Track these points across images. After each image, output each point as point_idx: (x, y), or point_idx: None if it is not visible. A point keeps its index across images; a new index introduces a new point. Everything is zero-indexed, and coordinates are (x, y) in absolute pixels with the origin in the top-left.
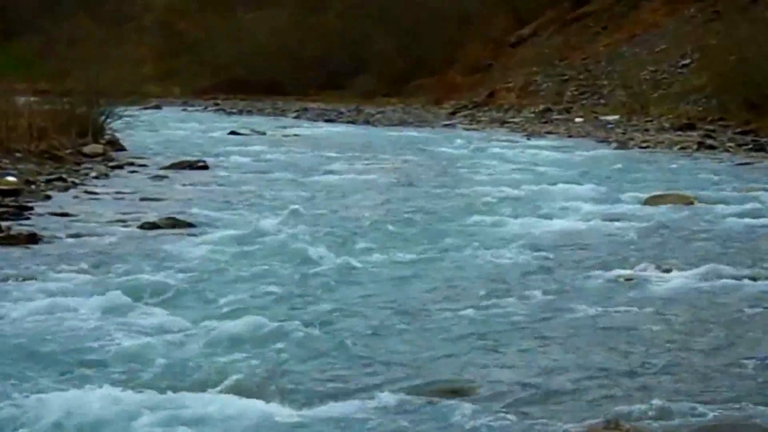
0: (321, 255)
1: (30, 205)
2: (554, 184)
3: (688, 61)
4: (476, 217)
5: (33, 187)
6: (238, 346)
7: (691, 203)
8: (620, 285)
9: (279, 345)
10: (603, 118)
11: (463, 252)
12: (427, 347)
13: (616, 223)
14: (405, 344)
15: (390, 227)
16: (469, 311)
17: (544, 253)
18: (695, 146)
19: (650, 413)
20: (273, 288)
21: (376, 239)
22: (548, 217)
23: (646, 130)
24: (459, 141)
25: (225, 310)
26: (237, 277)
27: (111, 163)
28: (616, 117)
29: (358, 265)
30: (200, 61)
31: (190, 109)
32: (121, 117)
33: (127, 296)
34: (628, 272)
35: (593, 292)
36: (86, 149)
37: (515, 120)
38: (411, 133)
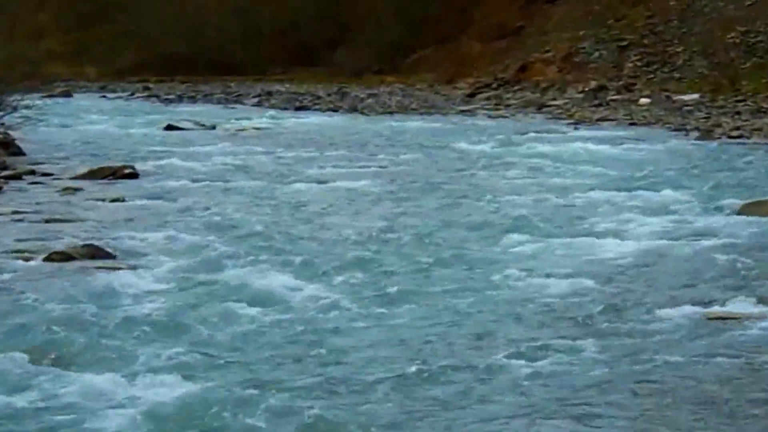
0: (293, 294)
1: None
2: (614, 190)
3: None
4: (509, 238)
5: None
6: (169, 424)
7: None
8: (708, 326)
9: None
10: (678, 97)
11: (492, 286)
12: (454, 417)
13: (701, 242)
14: (425, 413)
15: (389, 254)
16: (506, 366)
17: (602, 285)
18: None
19: None
20: (224, 342)
21: (369, 271)
22: (607, 235)
23: (737, 113)
24: (481, 134)
25: (157, 373)
26: (175, 325)
27: (4, 173)
28: (695, 96)
29: (348, 307)
30: (123, 31)
31: (110, 95)
32: (15, 108)
33: (25, 354)
34: (718, 309)
35: (671, 337)
36: None
37: (557, 103)
38: (415, 123)
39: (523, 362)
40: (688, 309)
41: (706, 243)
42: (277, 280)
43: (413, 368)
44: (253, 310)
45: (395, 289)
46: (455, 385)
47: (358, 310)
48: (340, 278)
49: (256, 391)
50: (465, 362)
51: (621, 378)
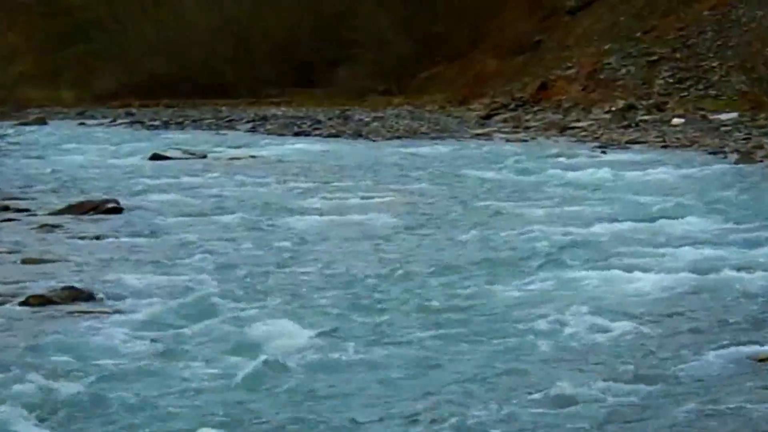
0: (293, 341)
1: None
2: (646, 219)
3: None
4: (532, 274)
5: None
6: None
7: None
8: (756, 369)
9: None
10: (714, 117)
11: (514, 328)
12: None
13: (743, 276)
14: None
15: (400, 294)
16: (536, 416)
17: (636, 325)
18: None
19: None
20: (217, 394)
21: (378, 313)
22: (640, 269)
23: None
24: (498, 159)
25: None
26: (164, 376)
27: None
28: (734, 115)
29: (354, 355)
30: (103, 51)
31: (90, 122)
32: None
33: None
34: (764, 350)
35: (715, 381)
36: None
37: (581, 124)
38: (426, 149)
39: (552, 411)
40: (731, 350)
41: (749, 277)
42: (275, 326)
43: (430, 422)
44: (249, 359)
45: (409, 334)
46: None
47: (366, 358)
48: (345, 322)
49: None
50: (489, 414)
51: (662, 427)
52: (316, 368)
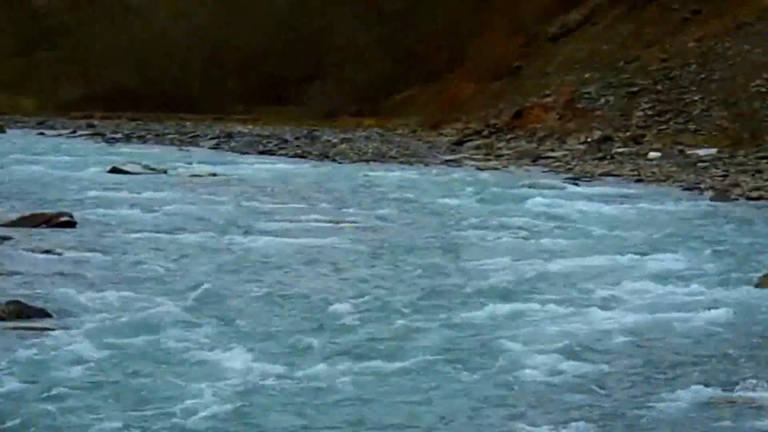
0: (241, 365)
1: None
2: (615, 254)
3: None
4: (494, 308)
5: None
6: None
7: None
8: (719, 412)
9: None
10: (692, 152)
11: (472, 364)
12: None
13: (712, 316)
14: None
15: (354, 322)
16: None
17: (599, 363)
18: None
19: None
20: (163, 416)
21: (331, 341)
22: (606, 306)
23: (758, 171)
24: (468, 187)
25: None
26: (110, 395)
27: None
28: (712, 151)
29: (303, 384)
30: (67, 59)
31: (49, 132)
32: None
33: None
34: (730, 393)
35: (678, 424)
36: None
37: (555, 154)
38: (394, 173)
39: None
40: (695, 392)
41: (717, 317)
42: (225, 348)
43: None
44: (197, 382)
45: (361, 365)
46: None
47: (316, 386)
48: (297, 348)
49: None
50: None
51: None
52: (258, 388)
